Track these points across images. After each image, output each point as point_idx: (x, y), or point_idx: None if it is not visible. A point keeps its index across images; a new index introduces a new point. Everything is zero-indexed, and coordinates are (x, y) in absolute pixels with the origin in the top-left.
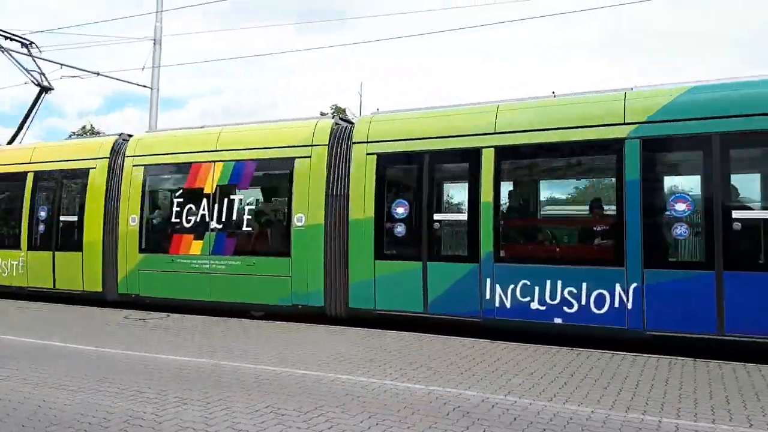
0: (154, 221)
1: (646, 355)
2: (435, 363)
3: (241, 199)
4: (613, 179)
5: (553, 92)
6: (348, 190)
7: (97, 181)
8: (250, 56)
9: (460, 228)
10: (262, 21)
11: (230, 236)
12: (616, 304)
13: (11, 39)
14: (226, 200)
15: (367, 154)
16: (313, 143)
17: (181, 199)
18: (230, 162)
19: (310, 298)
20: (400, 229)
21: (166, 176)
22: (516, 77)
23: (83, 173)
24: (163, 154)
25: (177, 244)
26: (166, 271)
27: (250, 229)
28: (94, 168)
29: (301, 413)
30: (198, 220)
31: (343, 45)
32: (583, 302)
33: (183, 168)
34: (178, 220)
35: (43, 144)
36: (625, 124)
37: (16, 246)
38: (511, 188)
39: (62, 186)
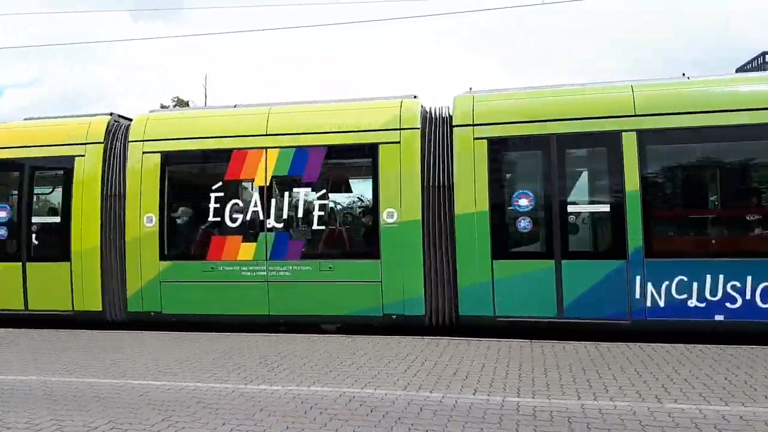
0: (182, 221)
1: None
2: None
3: (307, 193)
4: None
5: (684, 74)
6: (451, 181)
7: (89, 172)
8: (80, 43)
9: (601, 221)
10: (95, 5)
11: (295, 237)
12: None
13: None
14: (286, 194)
15: (475, 138)
16: (402, 126)
17: (221, 193)
18: (289, 148)
19: (408, 306)
20: (524, 224)
21: (194, 165)
22: (379, 74)
23: (64, 162)
24: (188, 139)
25: (218, 248)
26: (203, 281)
27: (322, 227)
28: (82, 156)
29: None
30: (248, 218)
31: (183, 36)
32: (748, 297)
33: (220, 155)
34: (218, 219)
35: None
36: None
37: None
38: (659, 175)
39: (30, 179)
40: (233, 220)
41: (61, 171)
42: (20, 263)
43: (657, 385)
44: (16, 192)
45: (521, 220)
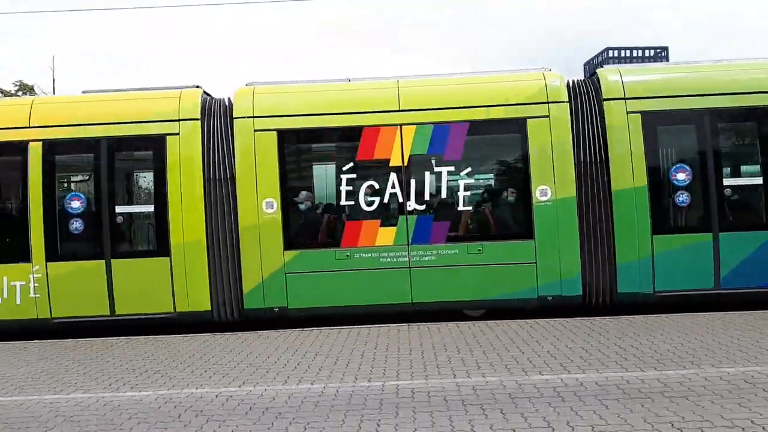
0: (307, 206)
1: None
2: None
3: (450, 172)
4: None
5: None
6: (604, 155)
7: (185, 152)
8: None
9: (754, 193)
10: None
11: (439, 219)
12: None
13: None
14: (427, 174)
15: (629, 112)
16: (549, 100)
17: (353, 175)
18: (426, 125)
19: (564, 287)
20: (683, 198)
21: (318, 144)
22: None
23: (153, 142)
24: (308, 115)
25: (353, 233)
26: (336, 270)
27: (469, 208)
28: (176, 134)
29: None
30: (386, 201)
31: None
32: None
33: (348, 133)
34: (351, 203)
35: (54, 98)
36: None
37: (20, 256)
38: None
39: (110, 161)
40: (369, 204)
41: (149, 152)
42: (103, 261)
43: (524, 359)
44: (90, 177)
45: (680, 194)
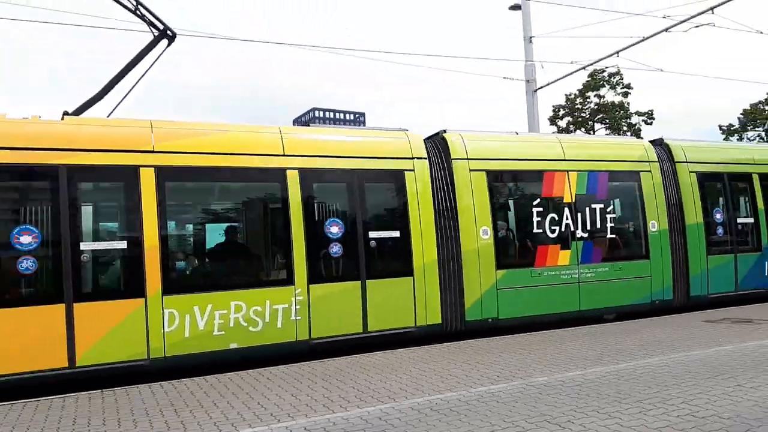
0: (512, 233)
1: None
2: None
3: (600, 208)
4: None
5: None
6: (681, 201)
7: (420, 186)
8: None
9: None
10: None
11: (597, 244)
12: None
13: None
14: (587, 209)
15: (690, 172)
16: (650, 159)
17: (541, 209)
18: (584, 172)
19: (665, 293)
20: (720, 231)
21: (513, 184)
22: None
23: (394, 175)
24: (506, 160)
25: (542, 255)
26: (531, 286)
27: (613, 236)
28: (411, 170)
29: None
30: (562, 229)
31: None
32: None
33: (535, 176)
34: (540, 231)
35: (303, 129)
36: None
37: (284, 280)
38: None
39: (360, 191)
40: (552, 231)
41: (392, 184)
42: (359, 282)
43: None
44: (345, 204)
45: (719, 228)
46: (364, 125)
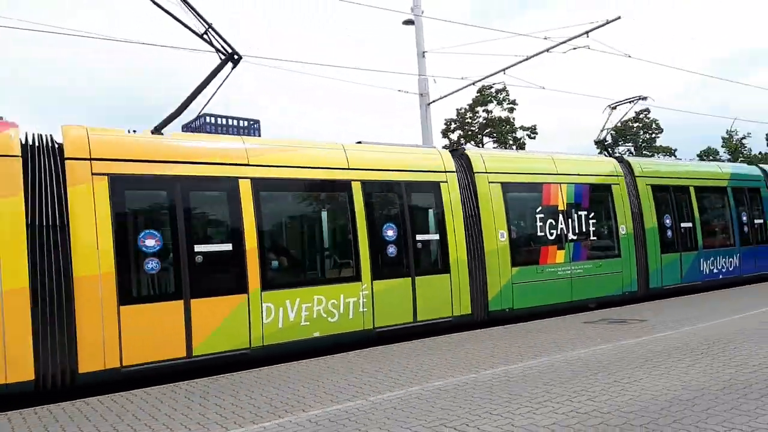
0: (522, 236)
1: None
2: None
3: (585, 215)
4: None
5: None
6: (641, 209)
7: (452, 195)
8: None
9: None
10: None
11: (583, 245)
12: None
13: None
14: (575, 215)
15: (646, 184)
16: (617, 173)
17: (542, 215)
18: (572, 184)
19: (632, 286)
20: (669, 233)
21: (521, 194)
22: None
23: (431, 186)
24: (517, 173)
25: (544, 254)
26: (536, 281)
27: (594, 238)
28: (445, 182)
29: None
30: (558, 233)
31: None
32: None
33: (537, 188)
34: (542, 234)
35: (364, 146)
36: None
37: (354, 277)
38: None
39: (408, 198)
40: (551, 234)
41: (431, 194)
42: (410, 278)
43: None
44: (397, 211)
45: (668, 231)
46: (259, 133)
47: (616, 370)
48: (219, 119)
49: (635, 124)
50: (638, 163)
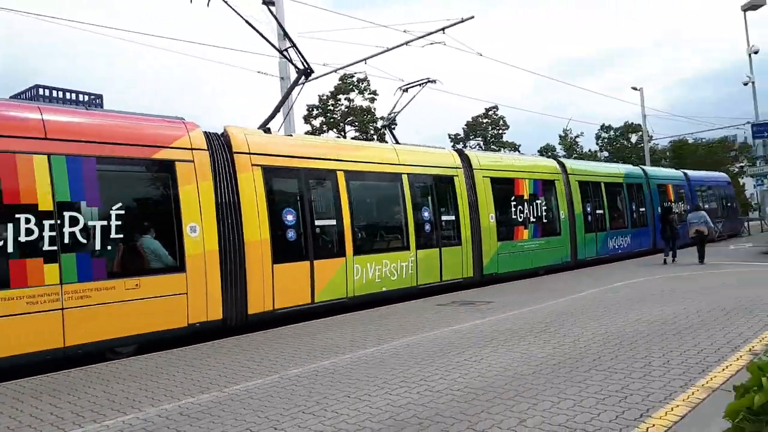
0: (503, 218)
1: None
2: None
3: (539, 203)
4: None
5: None
6: (572, 198)
7: (461, 186)
8: None
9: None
10: None
11: (538, 226)
12: None
13: None
14: (534, 202)
15: (575, 180)
16: (558, 171)
17: (515, 202)
18: (531, 180)
19: (568, 257)
20: (590, 217)
21: (503, 185)
22: None
23: (449, 179)
24: (497, 170)
25: (517, 233)
26: (512, 252)
27: (545, 221)
28: (457, 176)
29: None
30: (524, 216)
31: None
32: None
33: (511, 181)
34: (515, 217)
35: (402, 148)
36: None
37: (406, 247)
38: None
39: (434, 189)
40: (520, 217)
41: (449, 185)
42: (438, 249)
43: None
44: (427, 197)
45: (589, 216)
46: (102, 108)
47: (466, 348)
48: (55, 92)
49: (484, 120)
50: (568, 164)
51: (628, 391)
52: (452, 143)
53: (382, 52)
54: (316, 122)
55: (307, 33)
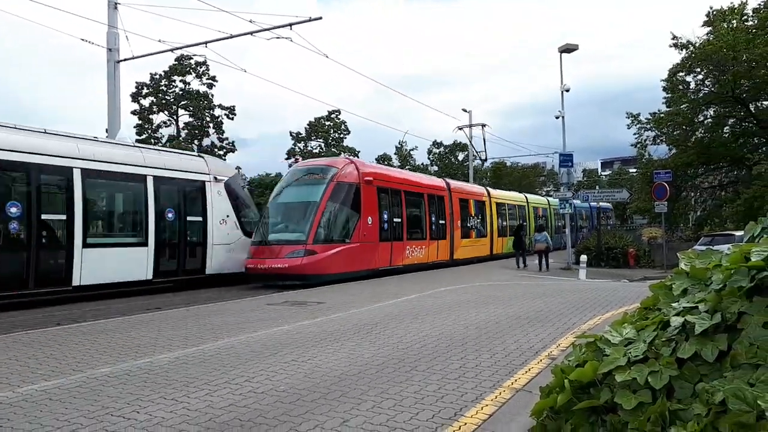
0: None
1: None
2: None
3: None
4: None
5: None
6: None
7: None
8: None
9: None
10: None
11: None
12: None
13: None
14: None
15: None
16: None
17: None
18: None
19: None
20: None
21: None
22: None
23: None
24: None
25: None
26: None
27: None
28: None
29: None
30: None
31: None
32: None
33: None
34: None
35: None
36: None
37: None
38: None
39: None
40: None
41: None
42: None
43: None
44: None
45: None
46: None
47: (294, 348)
48: None
49: (327, 123)
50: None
51: (444, 391)
52: (294, 141)
53: (225, 38)
54: (146, 102)
55: (144, 5)
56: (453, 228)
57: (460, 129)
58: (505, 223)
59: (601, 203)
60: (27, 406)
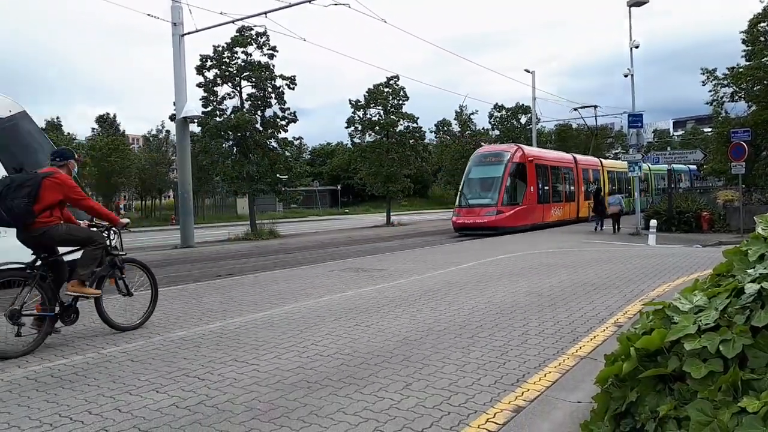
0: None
1: None
2: None
3: None
4: None
5: None
6: None
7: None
8: None
9: None
10: None
11: None
12: None
13: None
14: None
15: None
16: None
17: None
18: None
19: None
20: None
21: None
22: None
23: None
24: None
25: None
26: None
27: None
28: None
29: None
30: None
31: None
32: None
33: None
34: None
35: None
36: None
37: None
38: None
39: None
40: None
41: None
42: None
43: None
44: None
45: None
46: None
47: (357, 314)
48: None
49: (386, 90)
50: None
51: (506, 357)
52: (353, 110)
53: (284, 7)
54: (210, 74)
55: None
56: (578, 193)
57: (575, 110)
58: (614, 187)
59: (689, 165)
60: (110, 366)
